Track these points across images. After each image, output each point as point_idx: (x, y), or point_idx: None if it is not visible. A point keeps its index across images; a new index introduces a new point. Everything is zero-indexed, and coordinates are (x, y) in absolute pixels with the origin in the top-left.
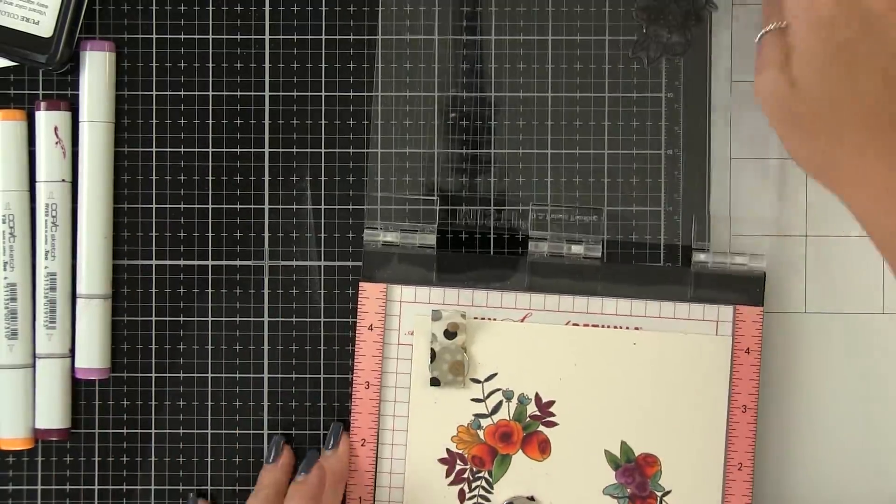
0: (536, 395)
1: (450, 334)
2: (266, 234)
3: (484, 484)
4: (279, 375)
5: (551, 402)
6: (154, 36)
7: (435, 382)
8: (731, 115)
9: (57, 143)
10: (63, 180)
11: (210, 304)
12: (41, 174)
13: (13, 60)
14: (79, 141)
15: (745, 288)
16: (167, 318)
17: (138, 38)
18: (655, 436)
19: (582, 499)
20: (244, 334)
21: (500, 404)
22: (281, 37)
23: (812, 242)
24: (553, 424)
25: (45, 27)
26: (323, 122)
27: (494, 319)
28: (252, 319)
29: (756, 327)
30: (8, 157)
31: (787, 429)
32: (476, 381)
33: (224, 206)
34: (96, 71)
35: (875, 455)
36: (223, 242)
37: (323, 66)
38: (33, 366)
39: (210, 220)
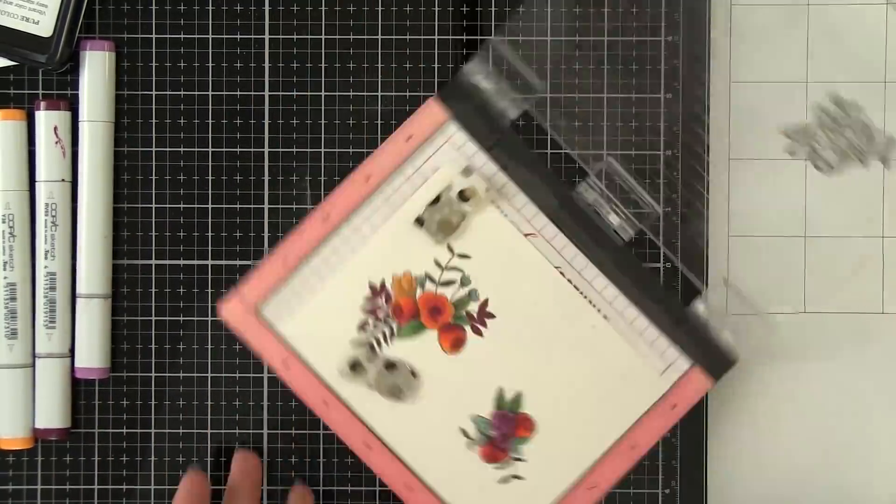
0: (486, 300)
1: (464, 196)
2: (266, 234)
3: (386, 330)
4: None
5: (491, 315)
6: (154, 36)
7: (420, 222)
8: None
9: (57, 142)
10: (63, 180)
11: (210, 304)
12: (41, 174)
13: (13, 60)
14: (79, 141)
15: (714, 359)
16: (167, 318)
17: (138, 37)
18: (545, 406)
19: (450, 409)
20: None
21: (451, 282)
22: (281, 37)
23: (812, 242)
24: (478, 332)
25: (45, 27)
26: (323, 122)
27: (505, 216)
28: None
29: (696, 395)
30: (8, 157)
31: (786, 429)
32: (450, 249)
33: (224, 206)
34: (96, 71)
35: (877, 456)
36: (223, 242)
37: (323, 66)
38: (33, 365)
39: (210, 220)
